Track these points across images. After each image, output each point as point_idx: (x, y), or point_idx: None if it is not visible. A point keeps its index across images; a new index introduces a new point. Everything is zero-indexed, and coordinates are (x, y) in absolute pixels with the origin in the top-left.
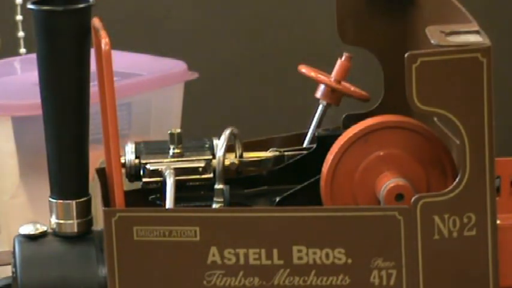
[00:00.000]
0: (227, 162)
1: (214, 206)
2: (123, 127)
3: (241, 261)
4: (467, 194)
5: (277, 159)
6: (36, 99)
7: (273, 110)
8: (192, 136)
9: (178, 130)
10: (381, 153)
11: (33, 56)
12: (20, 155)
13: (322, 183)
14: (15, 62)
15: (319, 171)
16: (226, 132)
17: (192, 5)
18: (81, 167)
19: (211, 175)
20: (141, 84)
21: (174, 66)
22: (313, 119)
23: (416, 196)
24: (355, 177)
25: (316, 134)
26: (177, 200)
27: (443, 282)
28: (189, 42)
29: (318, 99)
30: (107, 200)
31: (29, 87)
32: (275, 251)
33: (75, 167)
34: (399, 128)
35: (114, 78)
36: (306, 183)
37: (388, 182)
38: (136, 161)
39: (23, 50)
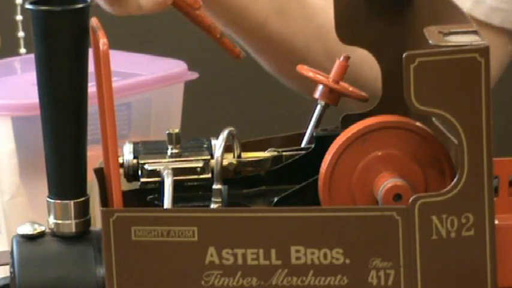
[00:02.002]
0: (225, 163)
1: (212, 206)
2: (123, 127)
3: (239, 261)
4: (465, 194)
5: (275, 160)
6: (36, 99)
7: (272, 110)
8: (193, 136)
9: (177, 130)
10: (379, 154)
11: (33, 56)
12: (20, 155)
13: (320, 183)
14: (15, 62)
15: (317, 171)
16: (225, 133)
17: None
18: (79, 167)
19: (209, 175)
20: (141, 84)
21: (174, 66)
22: (311, 119)
23: (414, 196)
24: (353, 178)
25: (314, 134)
26: (175, 200)
27: (441, 283)
28: (189, 42)
29: (316, 99)
30: (105, 200)
31: (29, 87)
32: (273, 251)
33: (73, 167)
34: (397, 128)
35: (114, 78)
36: (304, 184)
37: (386, 182)
38: (135, 161)
39: (23, 50)
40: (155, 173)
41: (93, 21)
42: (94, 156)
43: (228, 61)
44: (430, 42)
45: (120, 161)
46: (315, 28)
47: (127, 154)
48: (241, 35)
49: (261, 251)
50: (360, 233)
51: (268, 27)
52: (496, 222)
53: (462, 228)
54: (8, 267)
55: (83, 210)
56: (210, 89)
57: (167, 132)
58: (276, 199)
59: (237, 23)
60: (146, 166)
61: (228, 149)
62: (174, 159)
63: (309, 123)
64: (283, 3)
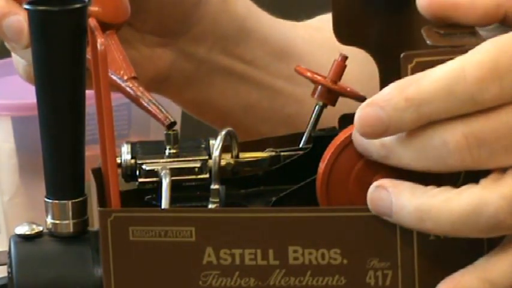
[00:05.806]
0: (223, 163)
1: (210, 206)
2: (123, 127)
3: (237, 261)
4: None
5: (273, 160)
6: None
7: None
8: (192, 136)
9: (175, 130)
10: None
11: None
12: (19, 155)
13: (318, 183)
14: None
15: (315, 171)
16: (222, 133)
17: None
18: (77, 167)
19: (207, 175)
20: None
21: None
22: (309, 120)
23: None
24: (351, 178)
25: (312, 134)
26: (173, 200)
27: (438, 283)
28: None
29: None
30: (103, 200)
31: (29, 87)
32: (271, 252)
33: (71, 167)
34: None
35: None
36: (302, 184)
37: None
38: (132, 161)
39: None
40: (153, 173)
41: (91, 22)
42: (92, 156)
43: None
44: (428, 42)
45: (118, 161)
46: (285, 116)
47: (125, 154)
48: (200, 118)
49: (259, 251)
50: (358, 233)
51: (233, 118)
52: None
53: None
54: (7, 267)
55: (80, 211)
56: None
57: (165, 132)
58: (274, 199)
59: (198, 114)
60: (144, 166)
61: (226, 149)
62: (172, 160)
63: (307, 123)
64: (251, 98)
